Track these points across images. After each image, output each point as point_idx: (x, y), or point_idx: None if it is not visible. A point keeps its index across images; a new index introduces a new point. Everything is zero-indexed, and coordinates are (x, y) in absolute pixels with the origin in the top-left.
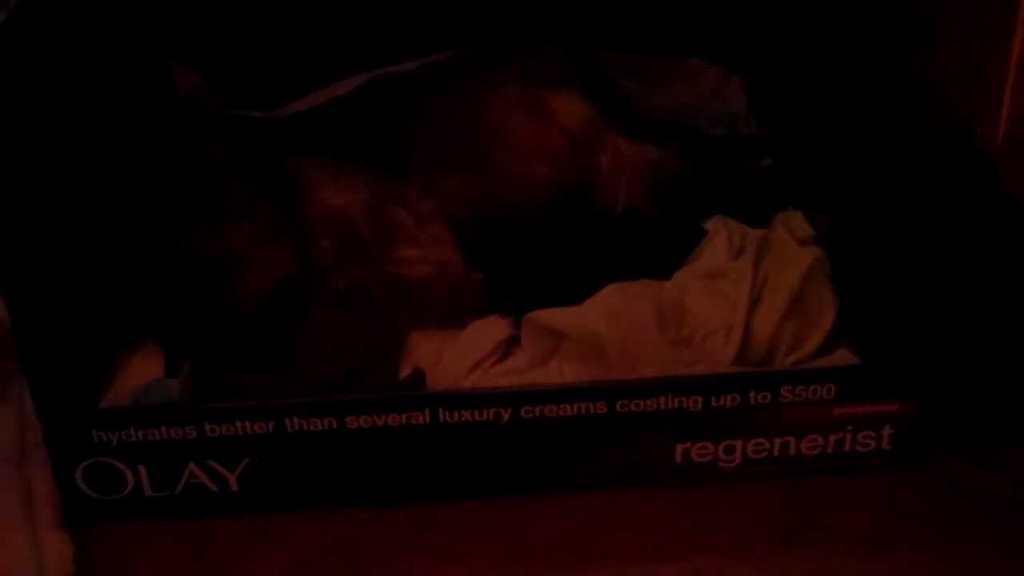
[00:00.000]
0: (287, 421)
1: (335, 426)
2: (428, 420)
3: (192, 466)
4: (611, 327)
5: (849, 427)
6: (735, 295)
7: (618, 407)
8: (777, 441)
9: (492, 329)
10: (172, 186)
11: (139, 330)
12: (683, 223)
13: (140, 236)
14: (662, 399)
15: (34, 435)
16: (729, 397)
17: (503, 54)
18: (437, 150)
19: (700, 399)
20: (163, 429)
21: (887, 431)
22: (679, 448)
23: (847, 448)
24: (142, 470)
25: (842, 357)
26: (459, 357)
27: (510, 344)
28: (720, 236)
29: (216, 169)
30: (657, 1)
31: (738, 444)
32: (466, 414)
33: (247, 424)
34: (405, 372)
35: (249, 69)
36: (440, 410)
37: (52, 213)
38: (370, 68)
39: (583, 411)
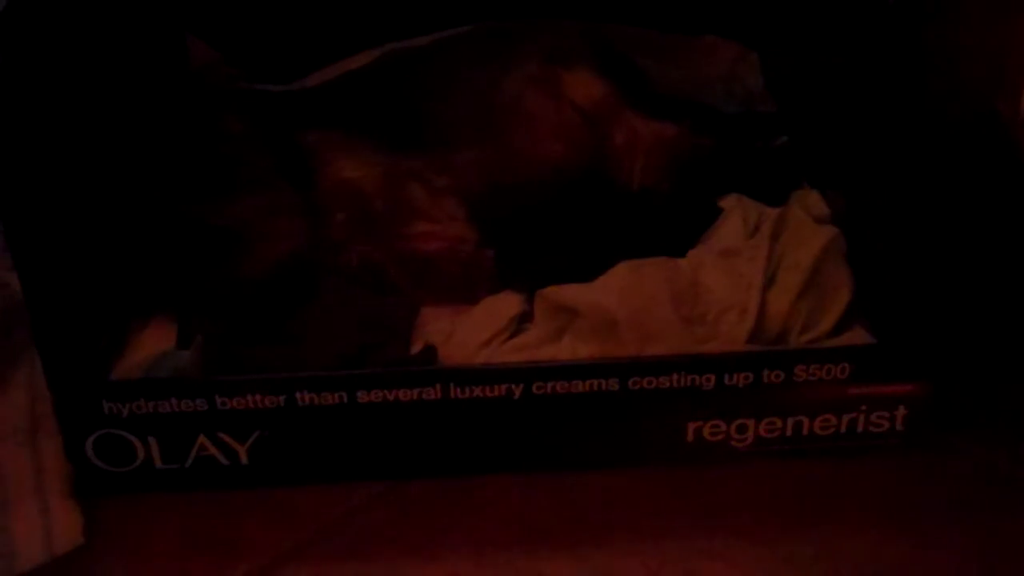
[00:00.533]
0: (298, 395)
1: (346, 400)
2: (439, 395)
3: (202, 439)
4: (624, 304)
5: (863, 407)
6: (750, 273)
7: (630, 384)
8: (790, 421)
9: (505, 305)
10: (185, 159)
11: (151, 302)
12: (698, 201)
13: (153, 208)
14: (674, 377)
15: (45, 406)
16: (742, 375)
17: (519, 30)
18: (452, 125)
19: (713, 377)
20: (174, 401)
21: (901, 412)
22: (691, 427)
23: (860, 429)
24: (152, 442)
25: (857, 336)
26: (471, 333)
27: (522, 320)
28: (736, 214)
29: (230, 142)
30: None
31: (751, 423)
32: (477, 390)
33: (258, 397)
34: (417, 347)
35: (264, 42)
36: (451, 385)
37: (64, 185)
38: (386, 42)
39: (595, 388)
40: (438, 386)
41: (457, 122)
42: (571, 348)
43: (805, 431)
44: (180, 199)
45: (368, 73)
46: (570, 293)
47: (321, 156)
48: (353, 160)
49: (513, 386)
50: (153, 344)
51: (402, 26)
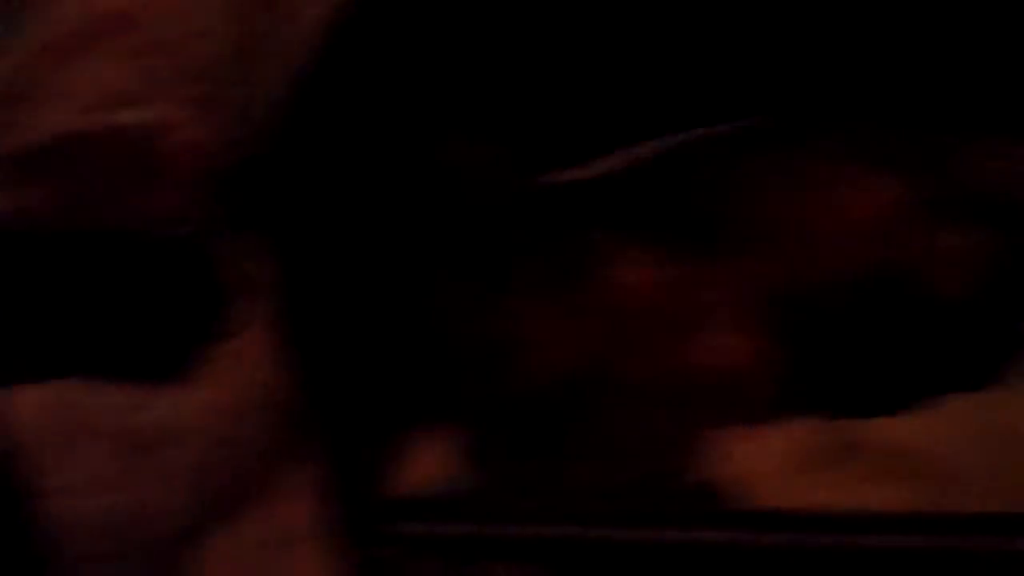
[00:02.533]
0: (591, 529)
1: (642, 537)
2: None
3: (484, 565)
4: (966, 451)
5: None
6: None
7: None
8: None
9: (799, 432)
10: (459, 262)
11: (427, 415)
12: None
13: (425, 316)
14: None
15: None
16: None
17: (814, 124)
18: (738, 227)
19: None
20: (452, 524)
21: None
22: None
23: None
24: (429, 566)
25: None
26: (762, 461)
27: (823, 451)
28: None
29: (502, 242)
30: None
31: None
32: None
33: (545, 527)
34: (699, 475)
35: (543, 132)
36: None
37: (352, 290)
38: (672, 132)
39: (926, 544)
40: (744, 529)
41: (743, 224)
42: (894, 493)
43: None
44: (454, 305)
45: (652, 166)
46: (888, 431)
47: (597, 258)
48: (630, 262)
49: (822, 535)
50: (431, 460)
51: (689, 117)
